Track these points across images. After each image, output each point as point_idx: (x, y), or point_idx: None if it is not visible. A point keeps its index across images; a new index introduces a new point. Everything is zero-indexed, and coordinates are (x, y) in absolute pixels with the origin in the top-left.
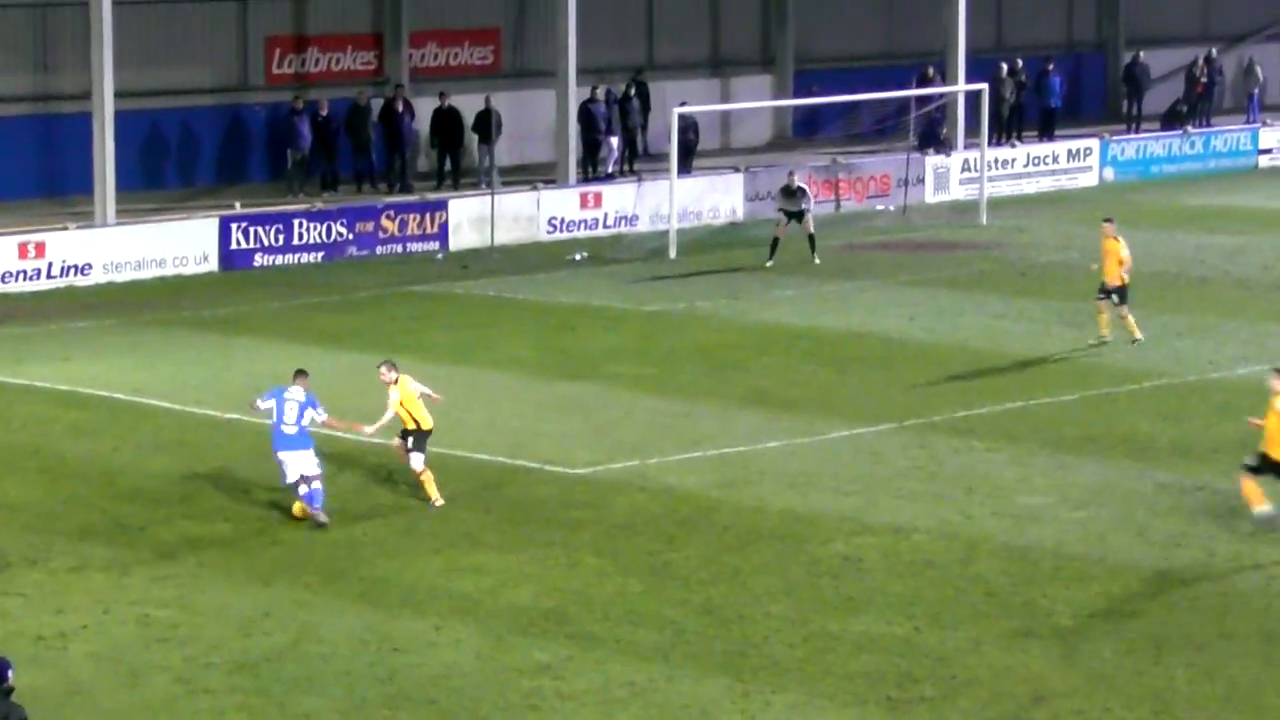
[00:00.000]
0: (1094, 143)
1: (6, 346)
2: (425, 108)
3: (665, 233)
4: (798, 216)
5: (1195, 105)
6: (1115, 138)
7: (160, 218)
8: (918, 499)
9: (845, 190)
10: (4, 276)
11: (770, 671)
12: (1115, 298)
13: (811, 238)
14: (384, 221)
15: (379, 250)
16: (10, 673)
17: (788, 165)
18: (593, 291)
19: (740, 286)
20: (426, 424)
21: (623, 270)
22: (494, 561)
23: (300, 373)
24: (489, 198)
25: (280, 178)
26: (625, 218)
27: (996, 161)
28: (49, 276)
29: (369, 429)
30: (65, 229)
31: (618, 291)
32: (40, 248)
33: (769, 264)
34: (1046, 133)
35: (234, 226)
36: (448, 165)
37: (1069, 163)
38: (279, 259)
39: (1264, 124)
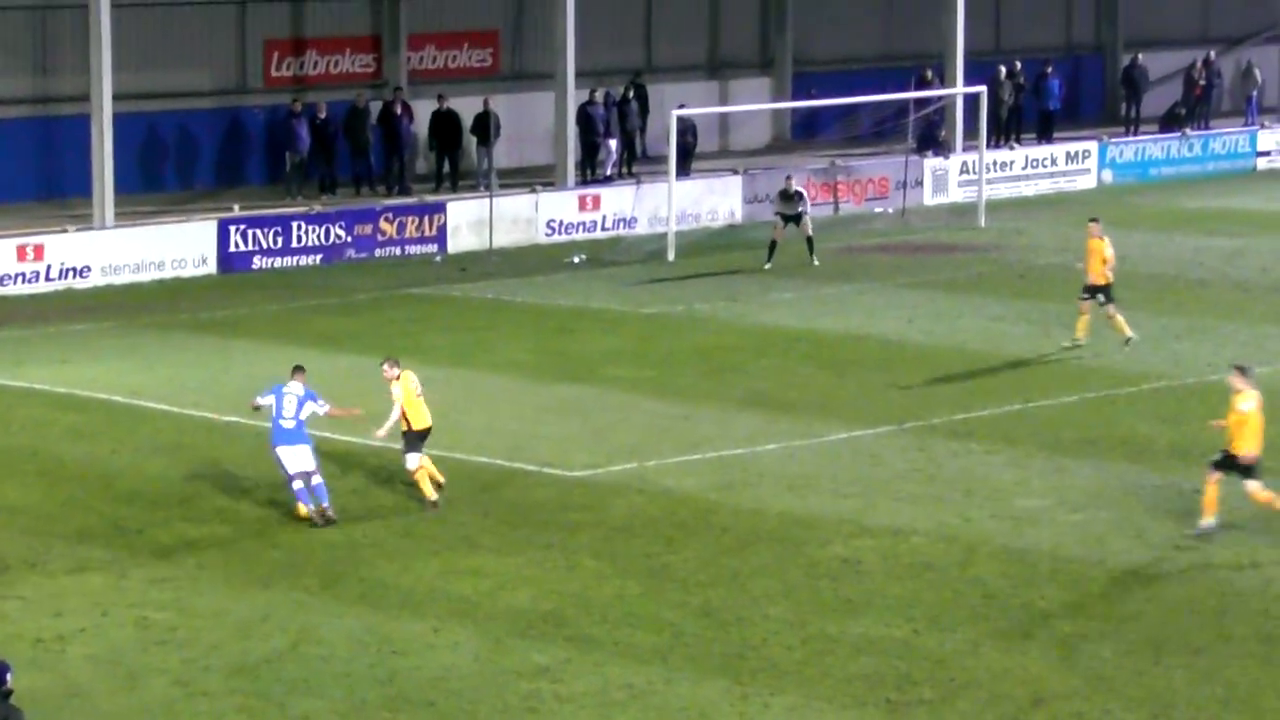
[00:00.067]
0: (1092, 145)
1: (5, 349)
2: (424, 110)
3: (664, 235)
4: (795, 220)
5: (1194, 108)
6: (1114, 140)
7: (159, 220)
8: (916, 501)
9: (844, 193)
10: (2, 279)
11: (769, 674)
12: (1101, 297)
13: (810, 240)
14: (382, 224)
15: (377, 253)
16: (9, 675)
17: (786, 168)
18: (591, 294)
19: (739, 289)
20: (420, 424)
21: (621, 273)
22: (492, 564)
23: (298, 368)
24: (487, 200)
25: (279, 180)
26: (624, 220)
27: (995, 164)
28: (47, 279)
29: (380, 431)
30: (64, 231)
31: (616, 294)
32: (39, 250)
33: (767, 266)
34: (1045, 135)
35: (232, 229)
36: (446, 168)
37: (1067, 165)
38: (277, 261)
39: (1262, 126)
